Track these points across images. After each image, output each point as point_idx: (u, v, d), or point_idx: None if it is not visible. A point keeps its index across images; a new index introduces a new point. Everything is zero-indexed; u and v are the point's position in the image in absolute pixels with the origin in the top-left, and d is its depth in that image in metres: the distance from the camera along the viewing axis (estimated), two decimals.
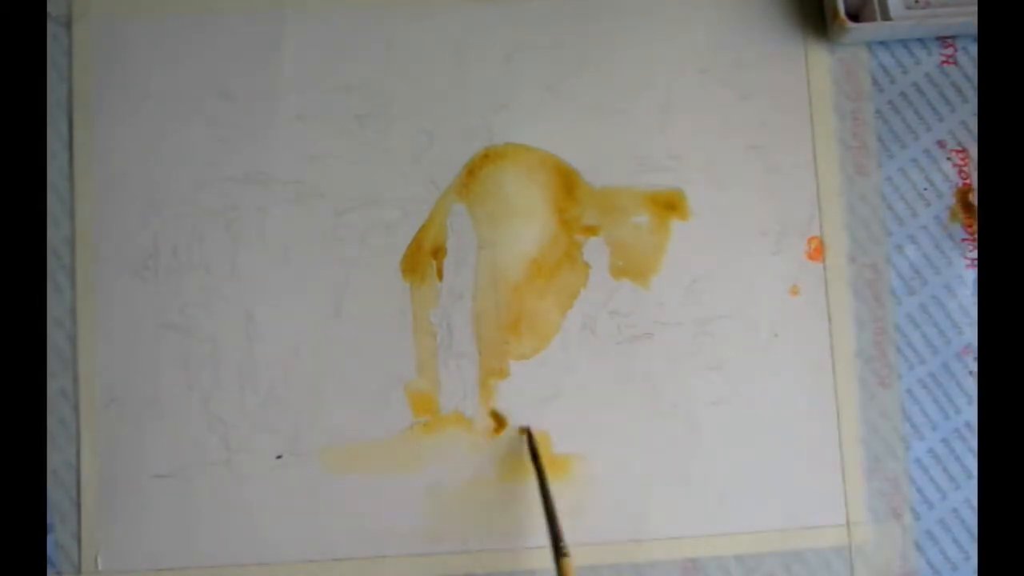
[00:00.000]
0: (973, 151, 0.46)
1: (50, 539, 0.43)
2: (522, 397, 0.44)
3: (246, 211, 0.45)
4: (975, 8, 0.43)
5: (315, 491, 0.43)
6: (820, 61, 0.46)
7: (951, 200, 0.46)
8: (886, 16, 0.44)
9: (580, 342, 0.44)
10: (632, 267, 0.45)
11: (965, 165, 0.46)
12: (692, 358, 0.44)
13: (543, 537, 0.43)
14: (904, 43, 0.46)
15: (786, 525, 0.44)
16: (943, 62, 0.46)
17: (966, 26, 0.45)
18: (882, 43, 0.46)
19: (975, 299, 0.45)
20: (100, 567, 0.43)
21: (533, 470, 0.42)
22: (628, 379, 0.44)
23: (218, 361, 0.44)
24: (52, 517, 0.43)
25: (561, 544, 0.39)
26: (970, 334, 0.45)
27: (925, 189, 0.46)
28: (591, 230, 0.45)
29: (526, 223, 0.45)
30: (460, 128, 0.45)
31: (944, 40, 0.46)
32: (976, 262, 0.45)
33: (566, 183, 0.45)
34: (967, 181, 0.46)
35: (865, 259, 0.45)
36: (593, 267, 0.45)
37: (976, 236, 0.45)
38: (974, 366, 0.45)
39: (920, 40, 0.46)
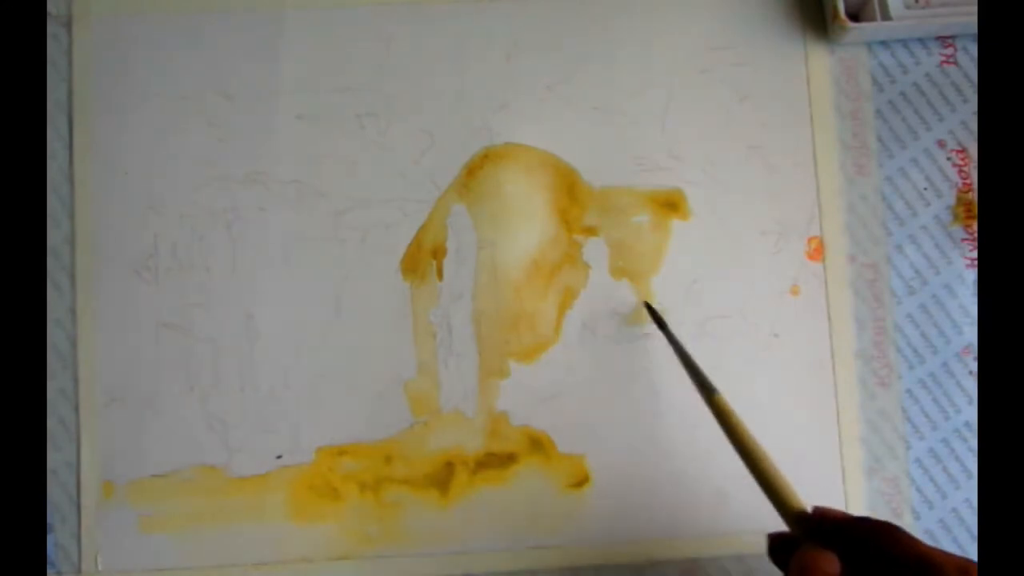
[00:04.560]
0: (973, 151, 0.46)
1: (50, 539, 0.43)
2: (522, 397, 0.44)
3: (246, 211, 0.45)
4: (975, 8, 0.44)
5: (314, 490, 0.44)
6: (820, 61, 0.46)
7: (951, 200, 0.46)
8: (886, 16, 0.44)
9: (580, 342, 0.44)
10: (632, 267, 0.45)
11: (965, 165, 0.46)
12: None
13: (542, 536, 0.43)
14: (904, 43, 0.46)
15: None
16: (943, 62, 0.46)
17: (966, 26, 0.45)
18: (882, 43, 0.46)
19: (975, 299, 0.45)
20: (100, 567, 0.43)
21: (664, 335, 0.43)
22: (628, 379, 0.44)
23: (218, 361, 0.44)
24: (52, 517, 0.43)
25: (707, 384, 0.39)
26: (970, 334, 0.45)
27: (925, 189, 0.46)
28: (591, 230, 0.45)
29: (526, 223, 0.45)
30: (460, 128, 0.45)
31: (944, 40, 0.46)
32: (976, 262, 0.45)
33: (566, 183, 0.45)
34: (967, 181, 0.46)
35: (865, 259, 0.45)
36: (593, 267, 0.45)
37: (976, 236, 0.45)
38: (974, 366, 0.45)
39: (920, 40, 0.46)
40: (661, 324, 0.43)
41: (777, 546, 0.36)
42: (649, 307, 0.44)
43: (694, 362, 0.40)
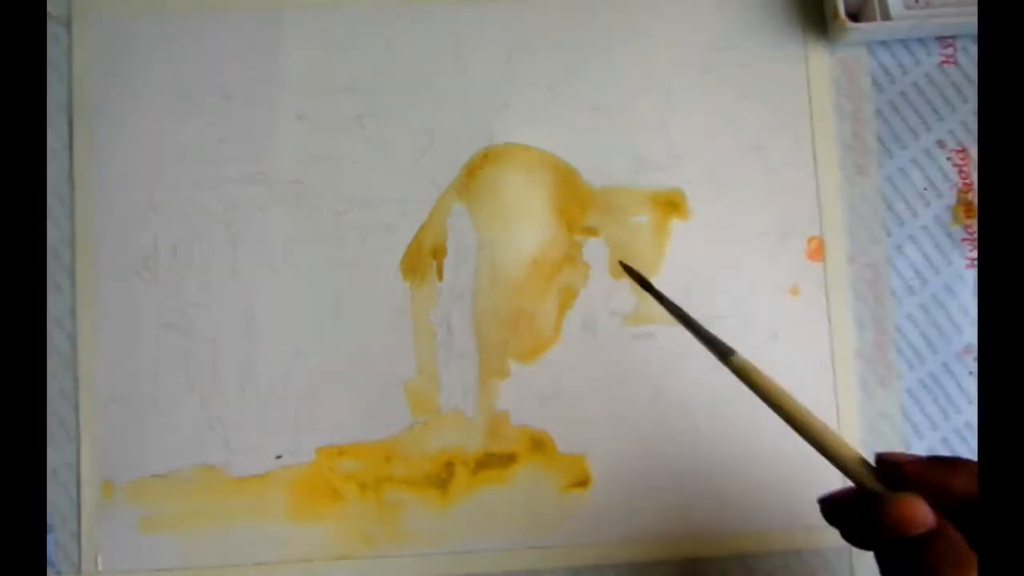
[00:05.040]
0: (973, 151, 0.46)
1: (50, 539, 0.43)
2: (522, 397, 0.44)
3: (246, 211, 0.45)
4: (975, 8, 0.43)
5: (314, 490, 0.44)
6: (820, 61, 0.46)
7: (951, 200, 0.46)
8: (886, 16, 0.44)
9: (580, 342, 0.44)
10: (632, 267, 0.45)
11: (965, 165, 0.46)
12: (692, 358, 0.44)
13: (542, 536, 0.43)
14: (904, 43, 0.46)
15: (786, 525, 0.44)
16: (943, 62, 0.46)
17: (966, 26, 0.45)
18: (882, 43, 0.46)
19: (975, 299, 0.45)
20: (100, 567, 0.43)
21: (657, 300, 0.40)
22: (628, 379, 0.44)
23: (218, 361, 0.44)
24: (52, 517, 0.43)
25: (721, 346, 0.35)
26: (970, 334, 0.45)
27: (925, 189, 0.46)
28: (591, 230, 0.45)
29: (526, 223, 0.45)
30: (460, 128, 0.45)
31: (944, 40, 0.46)
32: (976, 262, 0.45)
33: (566, 183, 0.45)
34: (967, 181, 0.46)
35: (865, 259, 0.45)
36: (593, 267, 0.45)
37: (976, 236, 0.45)
38: (974, 366, 0.45)
39: (920, 40, 0.46)
40: (647, 286, 0.40)
41: (833, 508, 0.33)
42: (627, 268, 0.40)
43: (698, 324, 0.37)
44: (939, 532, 0.29)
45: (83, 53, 0.45)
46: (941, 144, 0.46)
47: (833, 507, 0.33)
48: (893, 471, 0.31)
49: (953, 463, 0.31)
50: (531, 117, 0.46)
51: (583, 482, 0.44)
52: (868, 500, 0.31)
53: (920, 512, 0.29)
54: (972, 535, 0.29)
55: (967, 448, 0.44)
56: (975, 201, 0.45)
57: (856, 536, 0.32)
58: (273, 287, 0.44)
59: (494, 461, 0.44)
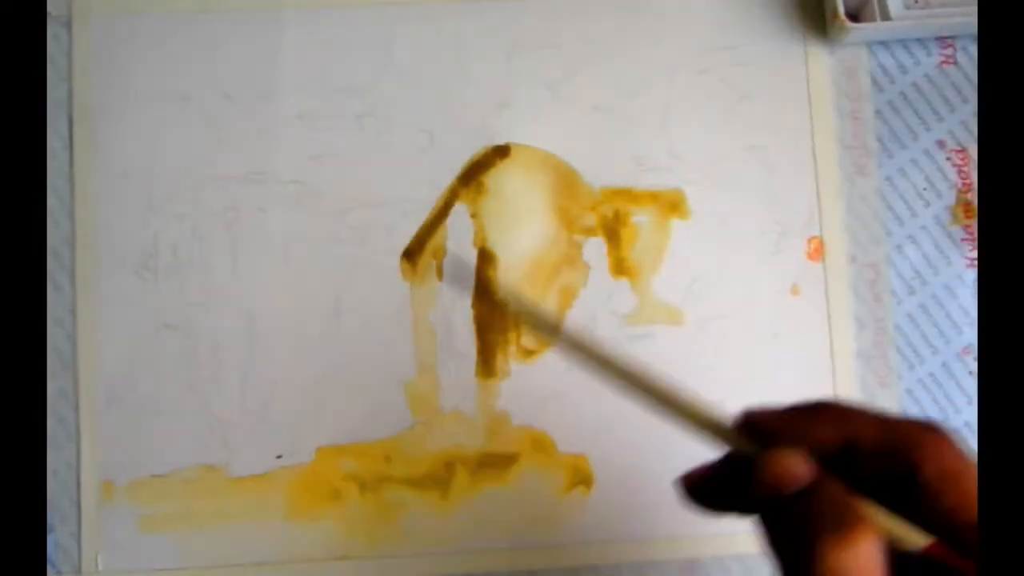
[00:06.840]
0: (973, 151, 0.46)
1: (50, 539, 0.43)
2: (522, 397, 0.44)
3: (246, 211, 0.45)
4: (975, 8, 0.44)
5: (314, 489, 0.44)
6: (820, 61, 0.46)
7: (951, 200, 0.46)
8: (886, 16, 0.44)
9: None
10: (632, 267, 0.45)
11: (965, 165, 0.46)
12: (692, 358, 0.44)
13: (542, 536, 0.43)
14: (904, 43, 0.46)
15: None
16: (943, 62, 0.46)
17: (966, 26, 0.45)
18: (882, 43, 0.46)
19: (975, 299, 0.45)
20: (100, 567, 0.43)
21: (486, 302, 0.41)
22: None
23: (218, 361, 0.44)
24: (52, 517, 0.43)
25: (550, 324, 0.32)
26: (970, 334, 0.45)
27: (925, 189, 0.46)
28: (591, 230, 0.45)
29: (526, 223, 0.45)
30: (460, 128, 0.45)
31: (944, 40, 0.46)
32: (976, 262, 0.45)
33: (566, 183, 0.45)
34: (967, 181, 0.46)
35: (865, 259, 0.45)
36: (593, 267, 0.45)
37: (976, 236, 0.45)
38: (974, 366, 0.45)
39: (920, 40, 0.46)
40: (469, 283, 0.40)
41: (698, 484, 0.30)
42: (452, 262, 0.39)
43: (530, 307, 0.35)
44: (816, 488, 0.26)
45: (83, 53, 0.45)
46: (941, 144, 0.46)
47: (698, 483, 0.30)
48: (758, 427, 0.28)
49: (813, 409, 0.28)
50: (531, 117, 0.46)
51: (584, 482, 0.44)
52: (740, 463, 0.28)
53: (793, 466, 0.26)
54: (849, 482, 0.26)
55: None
56: (975, 201, 0.45)
57: (730, 506, 0.29)
58: (273, 287, 0.44)
59: (494, 461, 0.44)
